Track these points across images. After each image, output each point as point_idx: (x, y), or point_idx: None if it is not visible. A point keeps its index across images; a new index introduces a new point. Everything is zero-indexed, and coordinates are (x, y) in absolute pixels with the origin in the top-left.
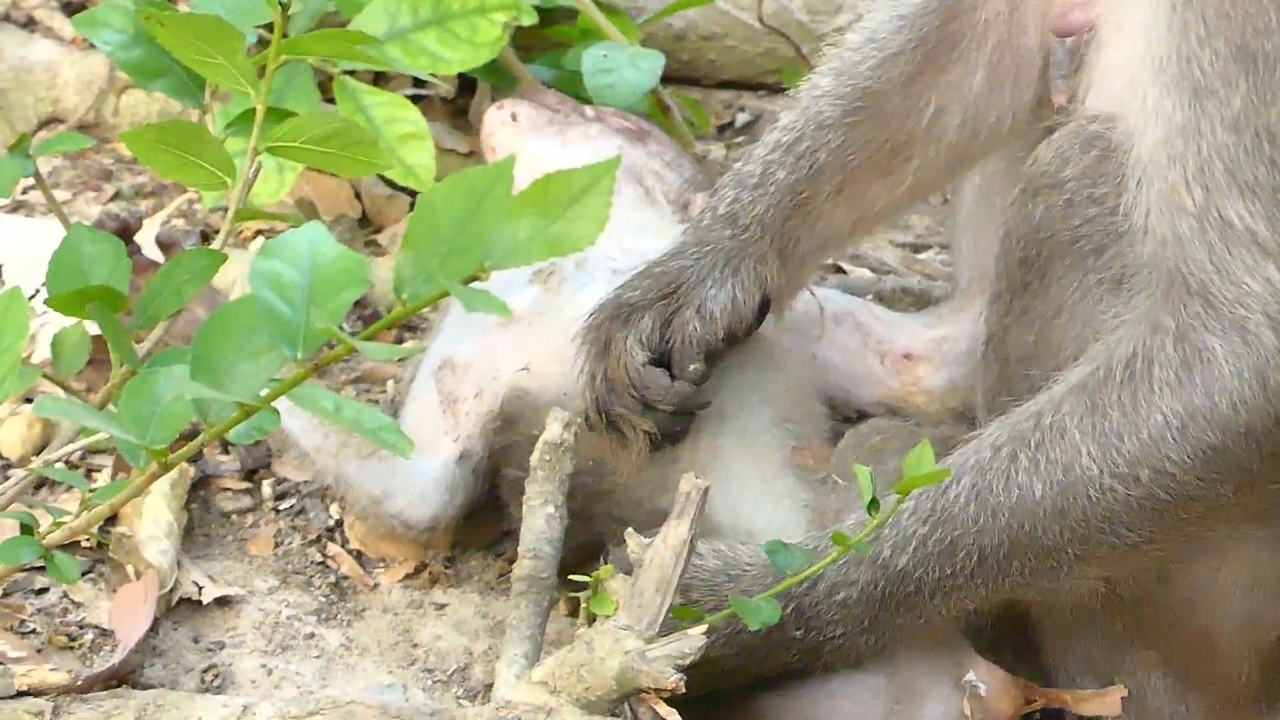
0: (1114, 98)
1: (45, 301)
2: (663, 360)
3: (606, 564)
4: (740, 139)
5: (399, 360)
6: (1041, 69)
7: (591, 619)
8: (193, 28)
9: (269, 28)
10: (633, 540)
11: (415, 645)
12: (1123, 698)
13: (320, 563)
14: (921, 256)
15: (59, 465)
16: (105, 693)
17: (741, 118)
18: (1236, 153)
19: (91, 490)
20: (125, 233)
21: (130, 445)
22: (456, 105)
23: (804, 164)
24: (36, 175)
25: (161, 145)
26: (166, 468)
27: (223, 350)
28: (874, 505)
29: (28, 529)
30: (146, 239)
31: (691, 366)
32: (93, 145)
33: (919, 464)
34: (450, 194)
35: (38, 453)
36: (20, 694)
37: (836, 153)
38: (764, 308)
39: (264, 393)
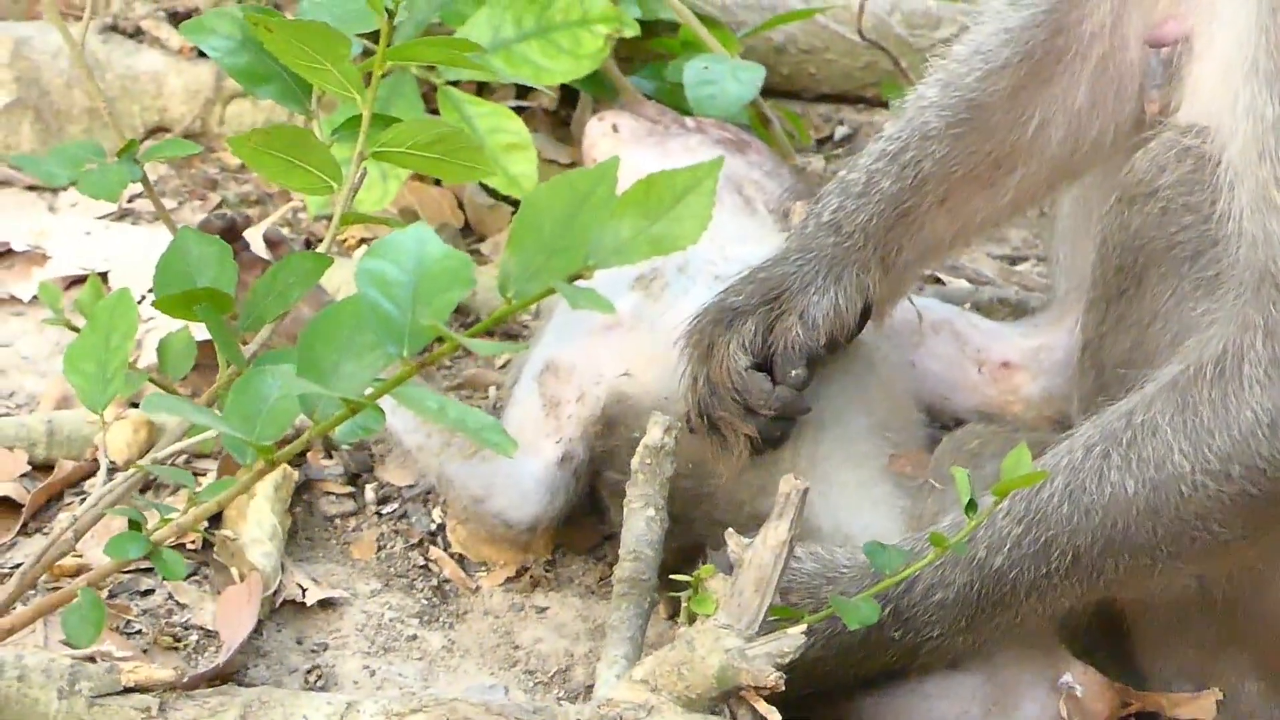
0: (1207, 105)
1: (152, 304)
2: (765, 365)
3: (706, 565)
4: (839, 151)
5: (500, 367)
6: (1142, 82)
7: (692, 618)
8: (300, 33)
9: (374, 37)
10: (733, 540)
11: (516, 647)
12: (1217, 701)
13: (422, 566)
14: (1019, 268)
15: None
16: (210, 690)
17: (840, 131)
18: None
19: (199, 489)
20: (233, 231)
21: (237, 442)
22: (559, 117)
23: (908, 173)
24: (144, 181)
25: (268, 150)
26: (273, 465)
27: (328, 349)
28: (971, 506)
29: (136, 525)
30: (254, 239)
31: (794, 372)
32: (199, 152)
33: (1017, 466)
34: (554, 194)
35: (142, 457)
36: (127, 690)
37: (940, 163)
38: (866, 315)
39: (369, 391)
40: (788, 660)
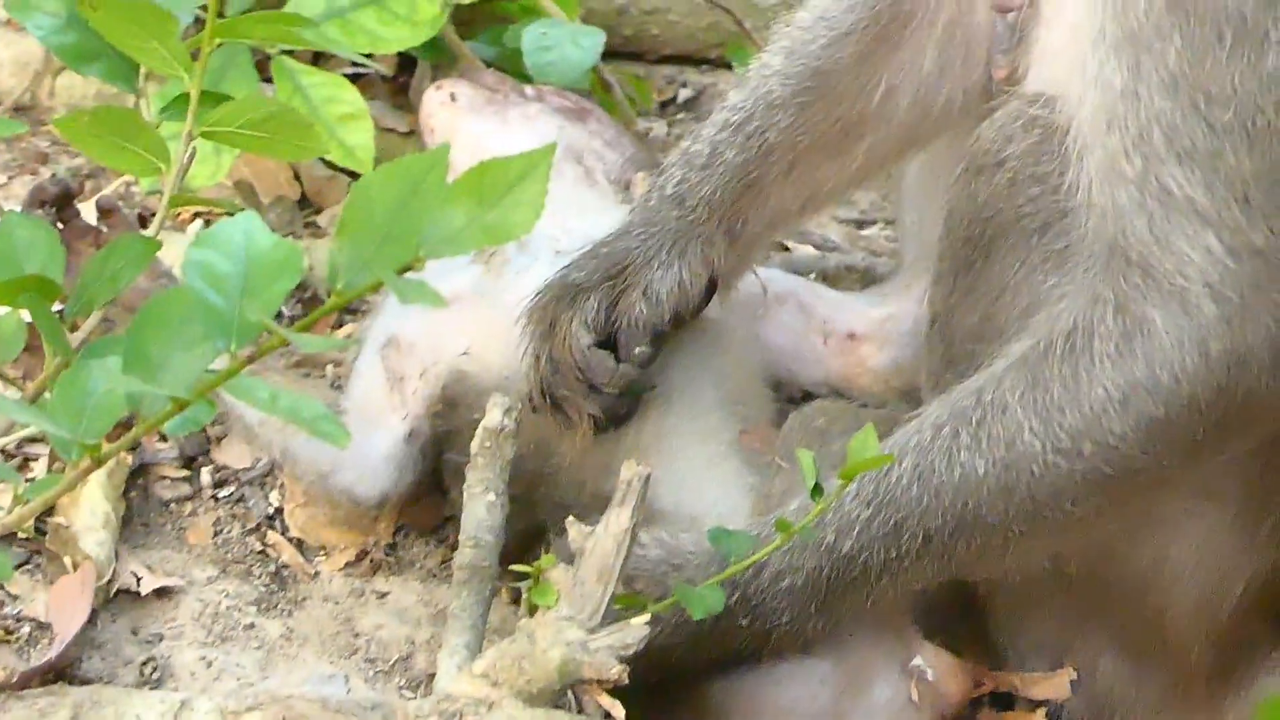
0: (1054, 72)
1: None
2: (608, 342)
3: (548, 553)
4: (682, 115)
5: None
6: (989, 47)
7: (533, 609)
8: (126, 11)
9: (205, 8)
10: (574, 529)
11: (357, 635)
12: (1072, 680)
13: (260, 551)
14: (866, 233)
15: None
16: (41, 690)
17: (684, 93)
18: (1174, 117)
19: (27, 482)
20: (67, 197)
21: (63, 440)
22: (396, 83)
23: (753, 144)
24: None
25: (95, 131)
26: (100, 462)
27: (156, 342)
28: (817, 490)
29: None
30: (86, 210)
31: (638, 349)
32: (28, 129)
33: (863, 448)
34: (384, 181)
35: None
36: None
37: (786, 133)
38: (711, 289)
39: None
40: (631, 652)
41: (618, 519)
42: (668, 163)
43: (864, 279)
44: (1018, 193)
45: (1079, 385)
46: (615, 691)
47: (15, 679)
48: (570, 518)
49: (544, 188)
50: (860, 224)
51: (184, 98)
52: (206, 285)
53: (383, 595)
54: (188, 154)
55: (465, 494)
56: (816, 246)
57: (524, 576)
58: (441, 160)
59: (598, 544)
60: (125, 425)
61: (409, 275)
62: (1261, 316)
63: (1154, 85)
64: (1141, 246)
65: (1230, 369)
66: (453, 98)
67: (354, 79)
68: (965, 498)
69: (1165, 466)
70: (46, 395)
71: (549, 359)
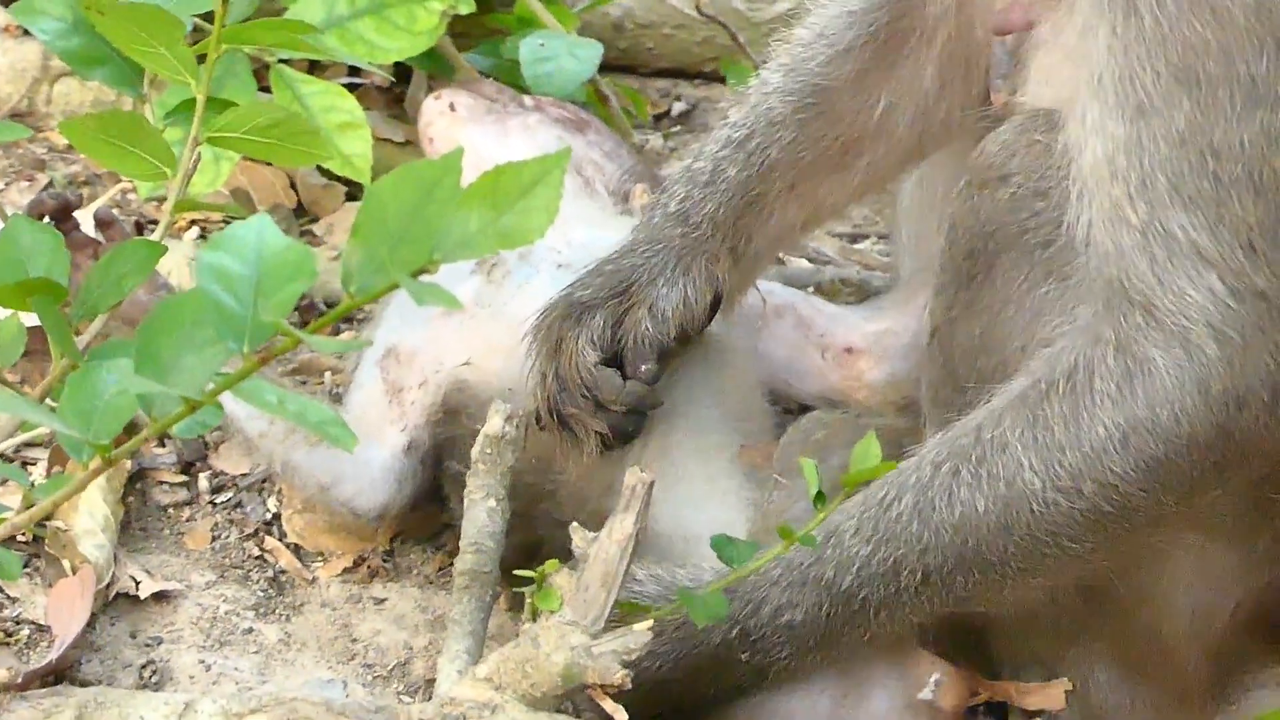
0: (1055, 101)
1: None
2: (614, 360)
3: (550, 560)
4: (677, 128)
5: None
6: (988, 68)
7: (535, 614)
8: (133, 17)
9: (206, 16)
10: (578, 535)
11: (354, 640)
12: (1067, 691)
13: (258, 557)
14: (859, 246)
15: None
16: (45, 690)
17: (678, 106)
18: (1180, 167)
19: (32, 485)
20: (66, 210)
21: (74, 441)
22: (393, 93)
23: (755, 160)
24: None
25: (100, 135)
26: (110, 463)
27: (167, 344)
28: (820, 498)
29: None
30: (84, 219)
31: (644, 367)
32: (29, 135)
33: (865, 457)
34: (398, 186)
35: None
36: None
37: (788, 149)
38: (715, 306)
39: (209, 387)
40: (634, 657)
41: (622, 525)
42: (670, 180)
43: (859, 293)
44: (1021, 208)
45: (1079, 424)
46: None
47: (19, 680)
48: (574, 524)
49: (558, 192)
50: (854, 238)
51: (188, 103)
52: (219, 287)
53: (380, 601)
54: (192, 160)
55: (466, 500)
56: (810, 260)
57: (526, 581)
58: (455, 165)
59: (601, 550)
60: (131, 430)
61: (423, 278)
62: (1262, 357)
63: (1160, 138)
64: (1144, 287)
65: (1230, 408)
66: (452, 107)
67: (350, 89)
68: (965, 535)
69: (1164, 504)
70: (50, 400)
71: (555, 377)
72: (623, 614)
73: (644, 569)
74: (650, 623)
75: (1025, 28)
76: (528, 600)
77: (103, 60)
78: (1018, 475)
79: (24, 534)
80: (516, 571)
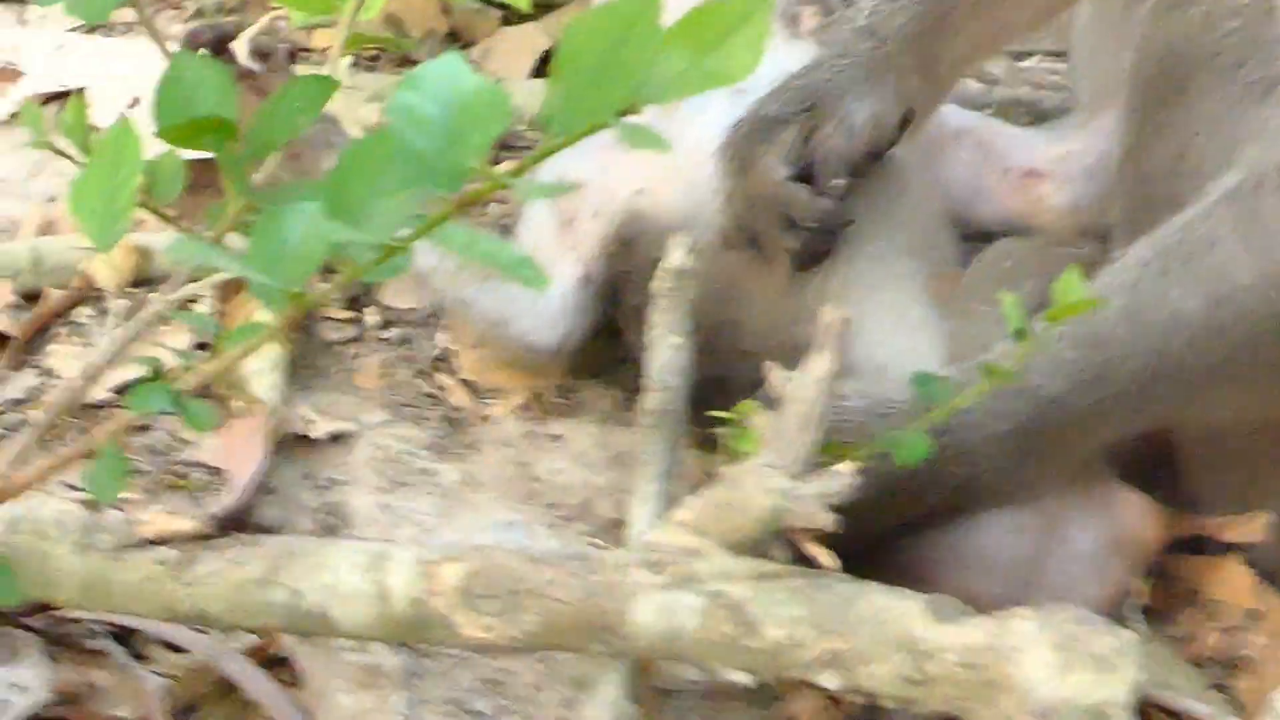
0: None
1: (156, 134)
2: (804, 176)
3: (746, 400)
4: None
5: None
6: None
7: (733, 456)
8: None
9: None
10: (774, 374)
11: (535, 479)
12: (1269, 524)
13: (430, 394)
14: (1025, 65)
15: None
16: (230, 539)
17: None
18: None
19: (218, 335)
20: (223, 41)
21: (266, 289)
22: None
23: None
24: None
25: None
26: (305, 308)
27: (357, 187)
28: (1021, 334)
29: (157, 374)
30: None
31: (834, 180)
32: None
33: (1068, 290)
34: (596, 25)
35: (135, 283)
36: (147, 543)
37: None
38: (906, 123)
39: (403, 232)
40: (838, 500)
41: (819, 364)
42: None
43: (1031, 113)
44: (1214, 26)
45: None
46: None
47: (208, 528)
48: (769, 363)
49: (765, 30)
50: (1019, 55)
51: None
52: (412, 129)
53: (557, 438)
54: None
55: (647, 337)
56: (979, 80)
57: (716, 422)
58: (653, 2)
59: (799, 390)
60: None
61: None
62: None
63: None
64: None
65: None
66: None
67: None
68: (1175, 337)
69: None
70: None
71: (745, 194)
72: (824, 454)
73: (850, 384)
74: (854, 466)
75: None
76: (721, 443)
77: None
78: (1230, 271)
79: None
80: (711, 413)
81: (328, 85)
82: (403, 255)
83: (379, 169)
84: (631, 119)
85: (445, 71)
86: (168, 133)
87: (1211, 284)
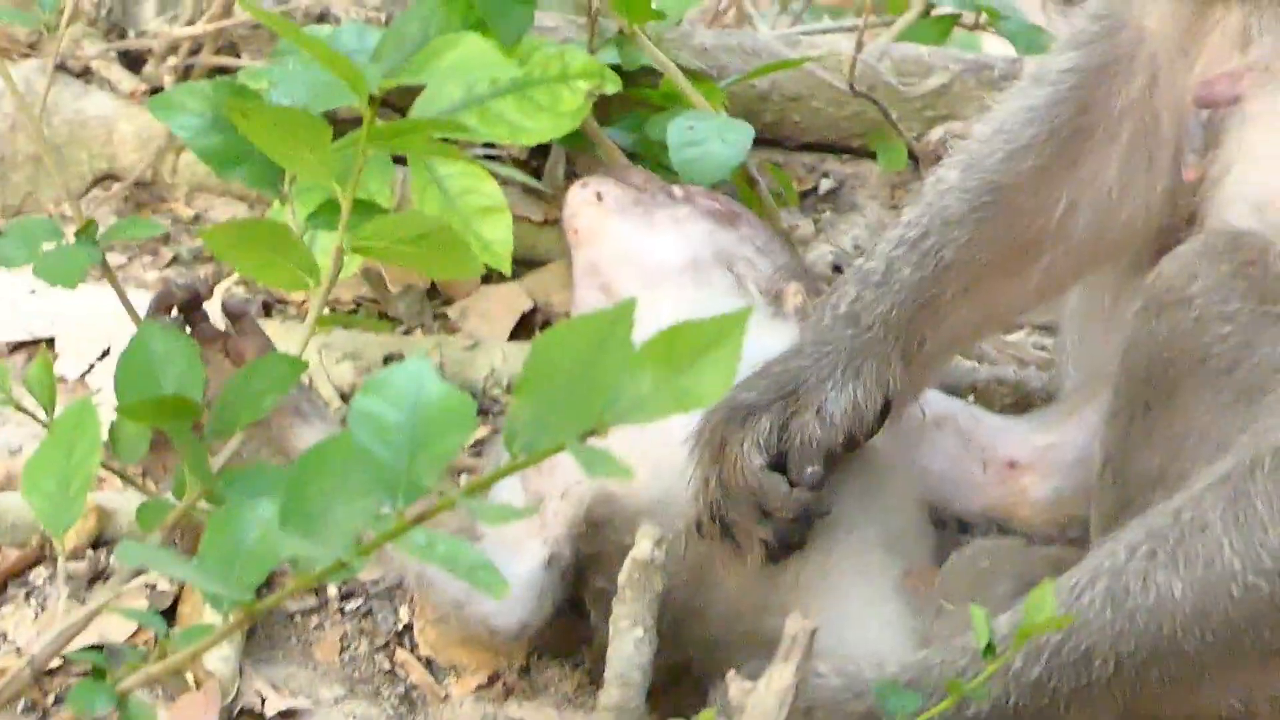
0: (1260, 185)
1: (117, 410)
2: (779, 465)
3: (706, 710)
4: (825, 207)
5: (475, 455)
6: (1174, 154)
7: None
8: (279, 120)
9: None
10: (734, 685)
11: None
12: None
13: (389, 670)
14: (1012, 338)
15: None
16: None
17: (825, 184)
18: None
19: (168, 634)
20: (195, 301)
21: (216, 595)
22: (529, 167)
23: (929, 261)
24: (105, 267)
25: (244, 245)
26: (254, 617)
27: (315, 493)
28: (989, 651)
29: (100, 673)
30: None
31: (810, 469)
32: (164, 232)
33: (1039, 608)
34: (567, 339)
35: (92, 544)
36: None
37: (964, 250)
38: (886, 411)
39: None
40: None
41: (781, 675)
42: (841, 279)
43: (1016, 392)
44: (1204, 331)
45: None
46: None
47: None
48: (731, 672)
49: (737, 353)
50: (1007, 328)
51: (329, 205)
52: (373, 437)
53: None
54: (336, 269)
55: (611, 629)
56: (965, 357)
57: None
58: (626, 317)
59: (759, 701)
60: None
61: (592, 441)
62: None
63: None
64: None
65: None
66: (599, 197)
67: (485, 160)
68: (1160, 621)
69: None
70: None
71: (719, 482)
72: None
73: (826, 663)
74: None
75: (1230, 102)
76: None
77: (242, 160)
78: (1217, 556)
79: (146, 641)
80: (671, 719)
81: (296, 366)
82: (357, 563)
83: (338, 475)
84: (594, 441)
85: (409, 377)
86: (129, 410)
87: (1199, 568)
